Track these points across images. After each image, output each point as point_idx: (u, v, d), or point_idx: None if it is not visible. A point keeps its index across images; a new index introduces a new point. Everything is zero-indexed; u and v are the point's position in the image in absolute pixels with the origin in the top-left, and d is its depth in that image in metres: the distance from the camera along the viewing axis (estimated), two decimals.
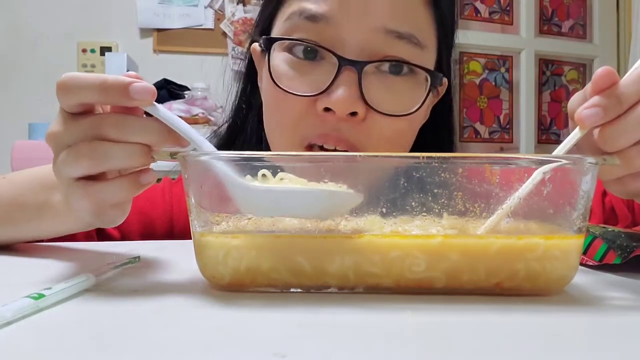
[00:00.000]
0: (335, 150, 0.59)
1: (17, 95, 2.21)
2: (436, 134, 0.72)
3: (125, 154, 0.39)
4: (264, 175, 0.38)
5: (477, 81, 2.48)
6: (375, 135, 0.59)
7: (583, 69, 2.64)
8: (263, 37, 0.63)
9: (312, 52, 0.59)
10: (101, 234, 0.68)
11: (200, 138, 0.41)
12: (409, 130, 0.63)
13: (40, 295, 0.33)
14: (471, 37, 2.40)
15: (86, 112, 0.41)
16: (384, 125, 0.59)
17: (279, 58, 0.61)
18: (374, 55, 0.58)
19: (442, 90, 0.68)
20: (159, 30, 2.39)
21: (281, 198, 0.37)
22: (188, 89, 2.20)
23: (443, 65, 0.67)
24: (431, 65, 0.63)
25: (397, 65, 0.59)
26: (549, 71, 2.58)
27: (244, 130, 0.74)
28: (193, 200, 0.38)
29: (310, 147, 0.60)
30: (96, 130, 0.39)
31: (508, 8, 2.50)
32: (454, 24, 0.68)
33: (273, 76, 0.60)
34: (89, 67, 2.29)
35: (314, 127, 0.59)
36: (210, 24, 2.41)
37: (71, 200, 0.42)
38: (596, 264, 0.46)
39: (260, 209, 0.38)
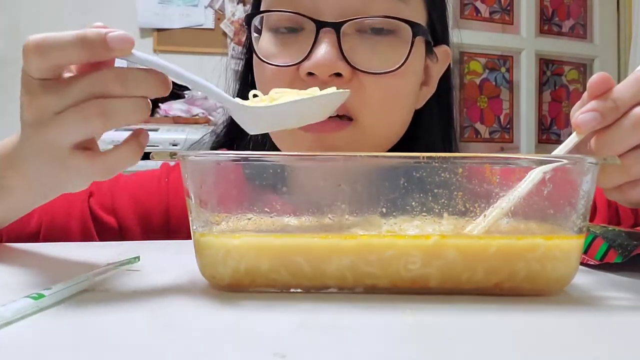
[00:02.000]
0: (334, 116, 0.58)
1: (17, 95, 2.20)
2: (437, 114, 0.70)
3: (132, 108, 0.39)
4: (255, 95, 0.42)
5: (478, 81, 2.48)
6: (367, 97, 0.58)
7: (583, 69, 2.64)
8: (245, 15, 0.65)
9: (292, 24, 0.60)
10: (99, 226, 0.67)
11: (192, 75, 0.41)
12: (403, 91, 0.62)
13: (40, 296, 0.33)
14: (471, 36, 2.40)
15: (57, 75, 0.39)
16: (373, 85, 0.58)
17: (265, 39, 0.62)
18: (350, 17, 0.58)
19: (442, 58, 0.67)
20: (158, 30, 2.40)
21: (277, 113, 0.40)
22: (188, 89, 2.20)
23: (437, 30, 0.66)
24: (419, 21, 0.62)
25: (377, 26, 0.59)
26: (550, 71, 2.58)
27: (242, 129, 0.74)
28: (193, 200, 0.38)
29: None
30: (98, 88, 0.38)
31: (508, 8, 2.50)
32: None
33: (260, 55, 0.61)
34: None
35: None
36: (210, 24, 2.41)
37: (64, 172, 0.41)
38: (597, 263, 0.46)
39: (260, 126, 0.39)
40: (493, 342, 0.30)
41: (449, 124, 0.73)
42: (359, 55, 0.58)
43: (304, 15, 0.58)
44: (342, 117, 0.59)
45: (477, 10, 2.46)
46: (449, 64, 0.70)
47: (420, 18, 0.63)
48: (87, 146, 0.41)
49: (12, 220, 0.55)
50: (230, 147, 0.72)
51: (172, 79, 0.40)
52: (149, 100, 0.39)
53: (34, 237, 0.59)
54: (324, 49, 0.56)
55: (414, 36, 0.59)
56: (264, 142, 0.68)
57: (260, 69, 0.62)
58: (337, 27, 0.57)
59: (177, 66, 0.40)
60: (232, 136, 0.74)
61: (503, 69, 2.51)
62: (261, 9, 0.63)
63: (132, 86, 0.38)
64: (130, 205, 0.68)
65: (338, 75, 0.57)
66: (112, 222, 0.67)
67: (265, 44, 0.62)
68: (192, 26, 2.40)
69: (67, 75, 0.40)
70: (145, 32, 2.40)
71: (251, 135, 0.73)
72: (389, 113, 0.61)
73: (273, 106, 0.41)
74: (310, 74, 0.57)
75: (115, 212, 0.68)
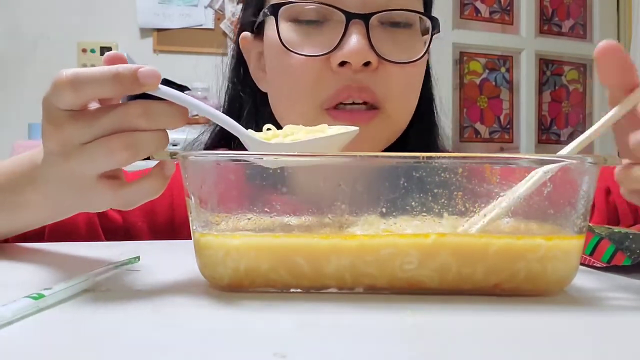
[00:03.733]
0: (358, 104, 0.61)
1: (16, 95, 2.21)
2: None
3: (155, 140, 0.40)
4: (268, 129, 0.43)
5: (478, 81, 2.48)
6: (392, 84, 0.62)
7: (583, 69, 2.64)
8: (268, 6, 0.64)
9: (316, 16, 0.62)
10: (105, 222, 0.67)
11: (213, 109, 0.43)
12: (419, 79, 0.67)
13: (40, 296, 0.33)
14: (471, 37, 2.40)
15: (83, 107, 0.40)
16: (396, 74, 0.62)
17: (284, 29, 0.62)
18: (376, 10, 0.61)
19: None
20: (158, 30, 2.39)
21: (288, 151, 0.41)
22: (188, 89, 2.20)
23: (430, 10, 0.71)
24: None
25: (398, 20, 0.63)
26: (549, 71, 2.58)
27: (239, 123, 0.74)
28: (193, 201, 0.38)
29: (330, 110, 0.61)
30: (124, 122, 0.39)
31: (508, 8, 2.50)
32: None
33: (284, 42, 0.61)
34: (89, 67, 2.29)
35: (331, 84, 0.61)
36: (210, 24, 2.41)
37: (88, 199, 0.42)
38: (604, 265, 0.46)
39: (275, 162, 0.39)
40: (493, 342, 0.30)
41: (431, 111, 0.78)
42: (385, 46, 0.61)
43: (334, 7, 0.60)
44: (367, 107, 0.61)
45: (477, 10, 2.46)
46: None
47: (421, 8, 0.67)
48: (113, 174, 0.41)
49: (24, 231, 0.56)
50: (228, 145, 0.72)
51: (192, 110, 0.42)
52: (167, 133, 0.41)
53: (39, 236, 0.59)
54: (356, 39, 0.59)
55: (432, 29, 0.65)
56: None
57: (284, 59, 0.62)
58: (366, 18, 0.60)
59: (198, 100, 0.42)
60: (228, 132, 0.73)
61: (503, 69, 2.51)
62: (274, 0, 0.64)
63: (155, 119, 0.39)
64: None
65: (366, 64, 0.60)
66: (117, 219, 0.67)
67: (286, 33, 0.62)
68: (192, 26, 2.40)
69: (92, 106, 0.41)
70: (145, 32, 2.40)
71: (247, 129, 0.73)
72: (409, 101, 0.66)
73: (290, 144, 0.42)
74: (342, 64, 0.60)
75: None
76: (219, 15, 2.42)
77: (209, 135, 0.75)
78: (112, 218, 0.67)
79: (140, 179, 0.41)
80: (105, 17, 2.35)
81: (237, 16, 0.82)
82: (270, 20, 0.64)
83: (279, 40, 0.62)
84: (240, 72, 0.74)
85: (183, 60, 2.34)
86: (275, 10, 0.62)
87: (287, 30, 0.62)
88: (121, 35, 2.36)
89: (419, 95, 0.67)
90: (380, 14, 0.61)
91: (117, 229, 0.67)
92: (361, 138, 0.59)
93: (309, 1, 0.61)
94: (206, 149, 0.73)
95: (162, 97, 0.40)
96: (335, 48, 0.60)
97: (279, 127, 0.44)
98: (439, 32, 0.67)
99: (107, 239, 0.65)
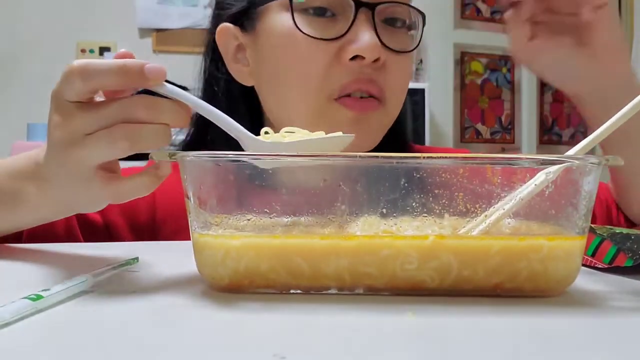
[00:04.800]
0: (364, 97, 0.62)
1: (16, 95, 2.21)
2: None
3: (156, 134, 0.41)
4: (266, 132, 0.43)
5: (479, 81, 2.48)
6: (393, 77, 0.64)
7: None
8: None
9: (323, 9, 0.62)
10: (84, 223, 0.66)
11: (214, 109, 0.43)
12: (411, 73, 0.70)
13: (39, 297, 0.33)
14: (472, 37, 2.41)
15: (90, 98, 0.42)
16: (397, 67, 0.64)
17: (287, 19, 0.63)
18: (378, 1, 0.62)
19: None
20: (158, 30, 2.40)
21: (290, 150, 0.41)
22: (187, 89, 2.19)
23: None
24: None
25: (393, 19, 0.65)
26: None
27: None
28: (192, 201, 0.38)
29: (339, 99, 0.62)
30: (128, 114, 0.40)
31: None
32: None
33: (299, 26, 0.61)
34: None
35: (341, 77, 0.62)
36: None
37: (82, 191, 0.43)
38: (606, 266, 0.46)
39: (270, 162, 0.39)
40: (494, 342, 0.29)
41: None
42: (386, 39, 0.62)
43: None
44: (374, 99, 0.63)
45: (478, 10, 2.46)
46: None
47: None
48: (110, 168, 0.43)
49: (18, 230, 0.56)
50: (204, 146, 0.70)
51: (195, 109, 0.42)
52: (170, 129, 0.42)
53: (17, 237, 0.59)
54: (369, 35, 0.61)
55: (423, 24, 0.67)
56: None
57: (291, 49, 0.63)
58: (372, 7, 0.61)
59: (199, 100, 0.43)
60: (205, 126, 0.71)
61: (504, 70, 2.51)
62: None
63: (157, 114, 0.41)
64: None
65: (375, 60, 0.61)
66: (97, 218, 0.67)
67: (291, 23, 0.62)
68: (192, 26, 2.40)
69: (97, 99, 0.42)
70: (144, 32, 2.40)
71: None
72: (404, 94, 0.68)
73: (288, 143, 0.42)
74: (354, 57, 0.61)
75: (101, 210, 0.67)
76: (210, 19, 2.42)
77: (183, 137, 0.75)
78: (91, 219, 0.67)
79: (134, 174, 0.42)
80: (105, 17, 2.36)
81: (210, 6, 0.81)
82: (271, 9, 0.64)
83: (283, 29, 0.63)
84: (214, 70, 0.73)
85: (183, 60, 2.34)
86: None
87: (290, 19, 0.62)
88: (120, 35, 2.36)
89: None
90: (384, 4, 0.62)
91: (97, 228, 0.67)
92: (362, 128, 0.61)
93: None
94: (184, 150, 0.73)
95: (167, 95, 0.41)
96: (344, 34, 0.61)
97: (264, 123, 0.43)
98: (425, 25, 0.69)
99: (87, 240, 0.65)
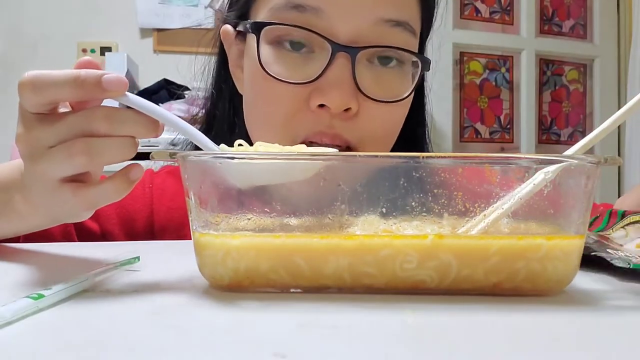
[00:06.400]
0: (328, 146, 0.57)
1: (16, 95, 2.20)
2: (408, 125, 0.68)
3: (117, 147, 0.39)
4: (240, 145, 0.41)
5: (478, 81, 2.48)
6: (371, 126, 0.58)
7: (583, 69, 2.64)
8: (251, 21, 0.60)
9: (300, 44, 0.58)
10: (80, 230, 0.66)
11: (180, 121, 0.41)
12: (401, 119, 0.62)
13: (40, 296, 0.33)
14: (472, 37, 2.40)
15: (51, 110, 0.40)
16: (376, 116, 0.58)
17: (265, 52, 0.58)
18: (367, 44, 0.57)
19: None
20: (159, 30, 2.39)
21: (263, 168, 0.38)
22: (188, 89, 2.19)
23: (424, 48, 0.67)
24: (416, 50, 0.62)
25: (387, 57, 0.59)
26: (550, 71, 2.58)
27: (216, 117, 0.72)
28: (193, 200, 0.38)
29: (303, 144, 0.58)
30: (86, 126, 0.38)
31: (508, 8, 2.50)
32: (434, 5, 0.68)
33: (263, 65, 0.57)
34: None
35: (307, 125, 0.58)
36: (210, 24, 2.41)
37: (54, 202, 0.41)
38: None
39: (242, 180, 0.38)
40: (493, 342, 0.30)
41: (420, 124, 0.74)
42: (371, 85, 0.57)
43: (322, 36, 0.56)
44: (340, 149, 0.57)
45: (477, 11, 2.46)
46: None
47: (417, 45, 0.63)
48: (80, 179, 0.41)
49: (13, 236, 0.55)
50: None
51: (159, 120, 0.40)
52: (136, 141, 0.40)
53: (14, 241, 0.59)
54: (339, 81, 0.55)
55: (422, 70, 0.60)
56: (239, 132, 0.66)
57: (261, 84, 0.59)
58: (354, 52, 0.55)
59: (165, 111, 0.41)
60: (210, 125, 0.71)
61: (503, 69, 2.51)
62: (259, 16, 0.60)
63: (118, 125, 0.39)
64: (112, 209, 0.68)
65: (347, 109, 0.57)
66: (94, 228, 0.67)
67: (266, 57, 0.58)
68: (192, 26, 2.40)
69: (62, 110, 0.41)
70: (145, 32, 2.40)
71: (222, 123, 0.70)
72: (387, 142, 0.62)
73: (262, 161, 0.39)
74: (321, 105, 0.56)
75: (98, 217, 0.67)
76: (219, 15, 2.42)
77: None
78: (88, 227, 0.66)
79: (103, 180, 0.40)
80: (106, 17, 2.35)
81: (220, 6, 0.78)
82: (252, 37, 0.60)
83: (255, 59, 0.58)
84: (220, 71, 0.71)
85: (183, 60, 2.34)
86: (258, 29, 0.58)
87: (268, 54, 0.58)
88: (121, 35, 2.36)
89: (398, 132, 0.63)
90: (369, 49, 0.56)
91: (94, 237, 0.67)
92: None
93: (299, 27, 0.56)
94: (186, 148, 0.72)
95: (131, 105, 0.39)
96: (316, 79, 0.56)
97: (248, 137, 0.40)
98: (429, 70, 0.63)
99: None
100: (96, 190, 0.40)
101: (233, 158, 0.38)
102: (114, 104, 0.40)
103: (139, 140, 0.41)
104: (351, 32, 0.56)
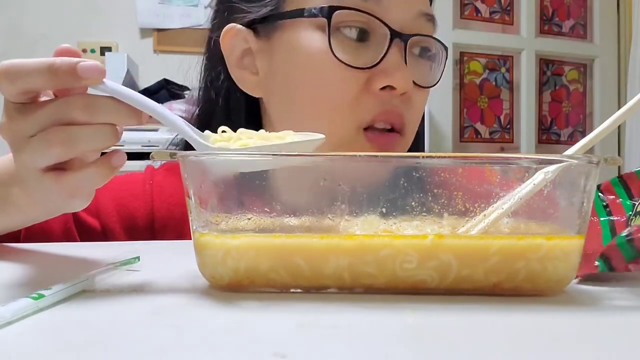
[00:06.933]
0: (387, 130, 0.61)
1: None
2: None
3: (96, 135, 0.39)
4: (223, 131, 0.41)
5: (478, 81, 2.48)
6: (414, 110, 0.63)
7: (583, 69, 2.64)
8: (326, 6, 0.59)
9: (361, 30, 0.60)
10: (81, 227, 0.66)
11: (160, 108, 0.41)
12: (425, 105, 0.69)
13: (40, 296, 0.33)
14: (472, 37, 2.41)
15: (32, 99, 0.40)
16: (418, 99, 0.64)
17: (316, 38, 0.59)
18: (410, 32, 0.61)
19: None
20: (159, 30, 2.39)
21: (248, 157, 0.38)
22: (188, 89, 2.19)
23: None
24: None
25: (425, 48, 0.65)
26: (550, 71, 2.58)
27: (214, 114, 0.70)
28: (193, 200, 0.38)
29: (366, 130, 0.61)
30: (63, 115, 0.38)
31: (508, 8, 2.50)
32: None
33: (334, 50, 0.58)
34: None
35: (372, 107, 0.60)
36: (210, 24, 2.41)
37: (39, 192, 0.41)
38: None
39: (228, 167, 0.38)
40: (493, 342, 0.30)
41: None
42: (414, 70, 0.62)
43: (384, 23, 0.59)
44: (392, 131, 0.62)
45: (477, 11, 2.46)
46: None
47: None
48: (63, 167, 0.40)
49: (12, 230, 0.56)
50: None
51: (138, 107, 0.40)
52: (117, 128, 0.39)
53: (15, 237, 0.59)
54: (402, 65, 0.59)
55: (446, 57, 0.67)
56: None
57: (318, 73, 0.60)
58: (406, 39, 0.60)
59: (145, 98, 0.40)
60: (208, 122, 0.70)
61: (503, 69, 2.51)
62: (312, 2, 0.60)
63: (97, 113, 0.38)
64: (113, 207, 0.68)
65: (403, 93, 0.60)
66: (95, 224, 0.67)
67: (322, 44, 0.59)
68: (192, 26, 2.40)
69: (43, 99, 0.40)
70: (145, 32, 2.40)
71: (220, 121, 0.70)
72: (418, 125, 0.67)
73: (243, 149, 0.40)
74: (384, 87, 0.59)
75: (99, 214, 0.67)
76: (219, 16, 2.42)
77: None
78: (89, 224, 0.66)
79: (84, 165, 0.40)
80: (106, 17, 2.35)
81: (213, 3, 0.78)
82: (299, 22, 0.60)
83: (311, 49, 0.59)
84: (217, 69, 0.70)
85: (183, 60, 2.34)
86: (330, 12, 0.58)
87: (321, 40, 0.59)
88: (121, 35, 2.36)
89: None
90: (417, 37, 0.62)
91: (95, 234, 0.67)
92: None
93: (367, 13, 0.59)
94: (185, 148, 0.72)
95: (109, 94, 0.39)
96: (376, 64, 0.59)
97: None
98: (447, 59, 0.69)
99: None
100: (78, 175, 0.40)
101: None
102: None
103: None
104: (400, 22, 0.60)
